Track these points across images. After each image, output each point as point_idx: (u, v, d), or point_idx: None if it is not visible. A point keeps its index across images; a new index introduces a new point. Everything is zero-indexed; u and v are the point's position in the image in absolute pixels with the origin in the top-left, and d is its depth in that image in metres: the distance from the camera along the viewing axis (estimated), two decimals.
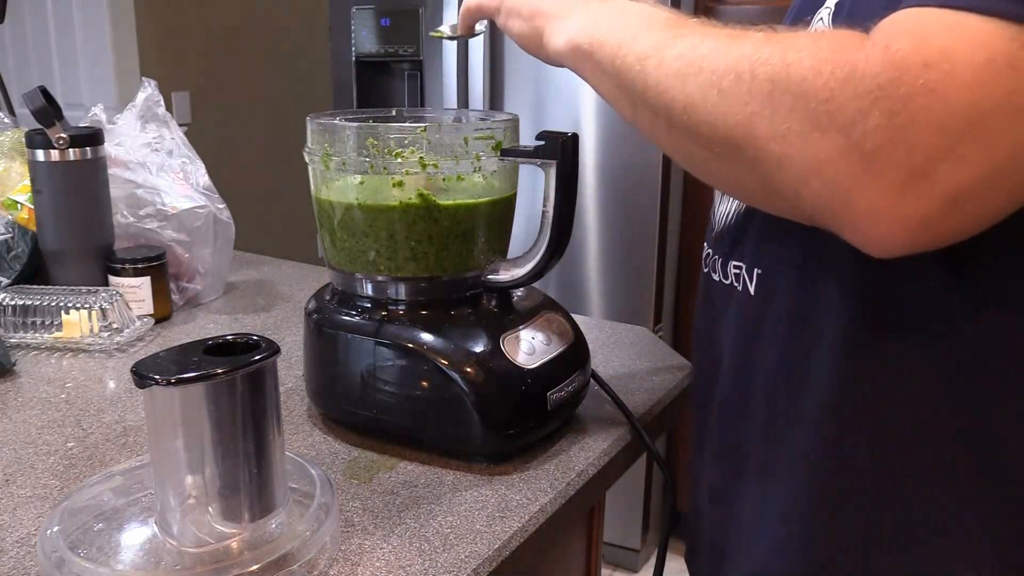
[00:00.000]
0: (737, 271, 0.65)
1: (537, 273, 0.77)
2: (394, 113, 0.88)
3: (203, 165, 1.25)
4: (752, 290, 0.63)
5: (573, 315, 0.85)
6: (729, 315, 0.66)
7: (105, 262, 1.10)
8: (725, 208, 0.69)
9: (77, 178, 1.09)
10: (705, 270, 0.72)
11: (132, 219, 1.15)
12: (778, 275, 0.61)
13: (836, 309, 0.57)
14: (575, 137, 0.75)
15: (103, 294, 1.03)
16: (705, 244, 0.73)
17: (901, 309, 0.55)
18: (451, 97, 2.12)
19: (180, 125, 1.30)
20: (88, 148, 1.09)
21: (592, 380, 0.85)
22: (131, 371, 0.55)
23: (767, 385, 0.62)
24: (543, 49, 0.66)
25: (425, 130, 0.75)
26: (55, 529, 0.58)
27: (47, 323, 1.02)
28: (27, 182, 1.14)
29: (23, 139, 1.14)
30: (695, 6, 1.98)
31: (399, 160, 0.74)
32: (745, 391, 0.65)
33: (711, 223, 0.72)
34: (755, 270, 0.63)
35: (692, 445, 0.76)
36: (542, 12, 0.65)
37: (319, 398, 0.82)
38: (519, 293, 0.82)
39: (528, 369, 0.74)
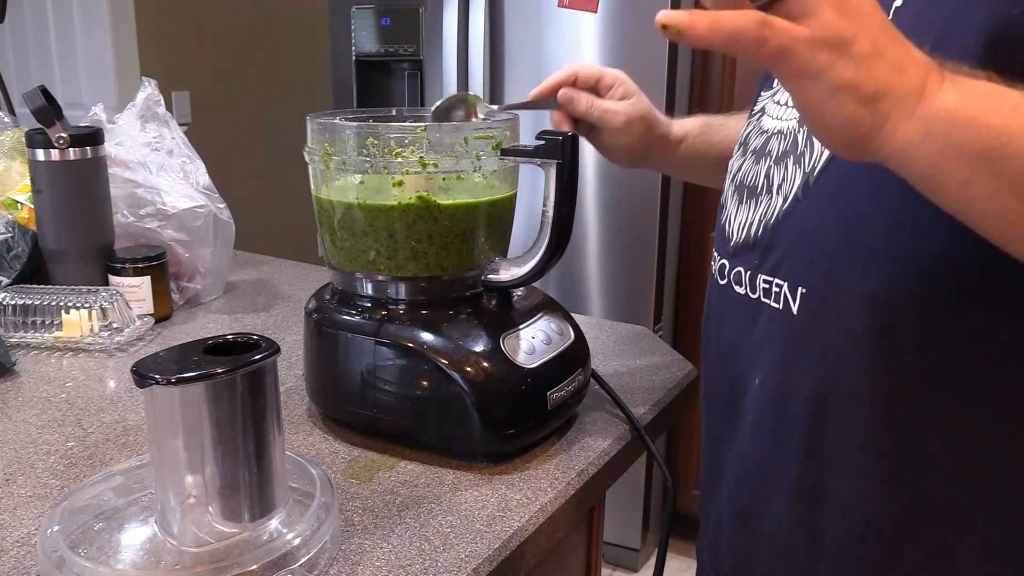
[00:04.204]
0: (767, 286, 0.63)
1: (537, 273, 0.77)
2: (394, 113, 0.88)
3: (203, 165, 1.25)
4: (795, 309, 0.60)
5: (573, 315, 0.85)
6: (761, 331, 0.64)
7: (105, 262, 1.10)
8: (745, 218, 0.66)
9: (77, 178, 1.09)
10: (723, 281, 0.69)
11: (132, 219, 1.15)
12: (828, 295, 0.59)
13: (895, 333, 0.56)
14: (575, 137, 0.75)
15: (103, 294, 1.03)
16: (716, 254, 0.71)
17: (961, 335, 0.55)
18: None
19: (180, 125, 1.30)
20: (88, 148, 1.09)
21: (592, 380, 0.85)
22: (131, 371, 0.55)
23: (811, 405, 0.60)
24: (871, 139, 0.47)
25: (425, 130, 0.75)
26: (55, 528, 0.58)
27: (47, 323, 1.02)
28: (27, 182, 1.14)
29: (23, 139, 1.14)
30: (695, 5, 1.98)
31: (399, 160, 0.74)
32: (784, 410, 0.62)
33: (726, 233, 0.69)
34: (799, 288, 0.60)
35: (706, 460, 0.74)
36: (897, 90, 0.45)
37: (319, 398, 0.82)
38: (519, 293, 0.82)
39: (528, 369, 0.74)
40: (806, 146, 0.61)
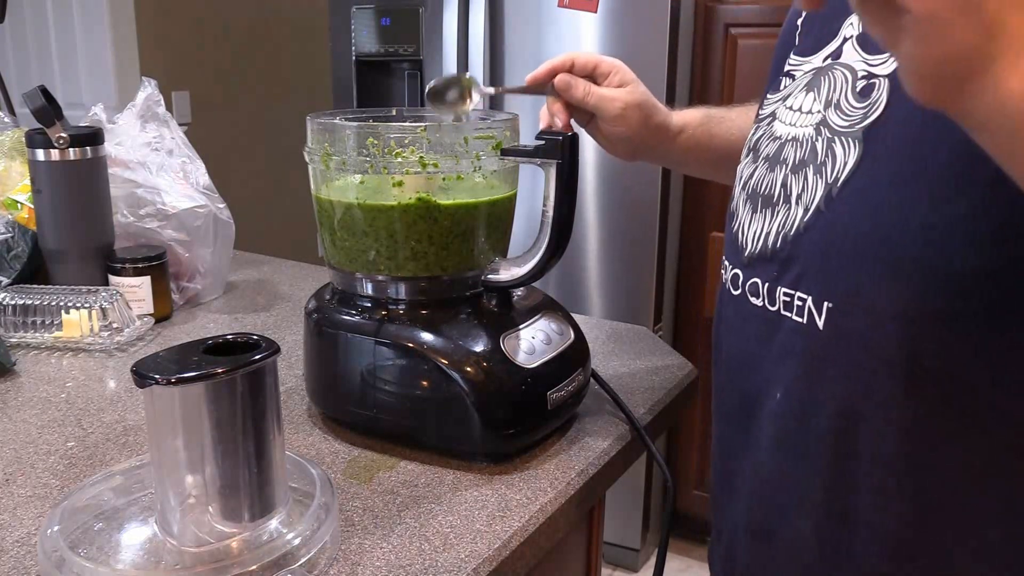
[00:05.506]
0: (788, 299, 0.61)
1: (537, 273, 0.77)
2: (394, 113, 0.88)
3: (203, 165, 1.25)
4: (820, 323, 0.58)
5: (573, 315, 0.85)
6: (780, 344, 0.62)
7: (105, 262, 1.10)
8: (760, 228, 0.64)
9: (77, 178, 1.09)
10: (736, 292, 0.67)
11: (132, 219, 1.15)
12: (855, 310, 0.57)
13: (923, 348, 0.55)
14: (575, 137, 0.75)
15: (103, 294, 1.03)
16: (727, 263, 0.69)
17: (987, 352, 0.54)
18: None
19: (180, 125, 1.30)
20: (88, 148, 1.09)
21: (592, 380, 0.85)
22: (131, 370, 0.55)
23: (837, 421, 0.59)
24: (971, 81, 0.41)
25: (425, 130, 0.75)
26: (55, 528, 0.58)
27: (47, 323, 1.02)
28: (27, 182, 1.14)
29: (23, 139, 1.14)
30: (695, 6, 1.99)
31: (399, 160, 0.74)
32: (808, 426, 0.61)
33: (739, 242, 0.67)
34: (825, 303, 0.58)
35: (718, 470, 0.73)
36: (1012, 30, 0.39)
37: (319, 398, 0.82)
38: (519, 293, 0.82)
39: (528, 369, 0.74)
40: (827, 156, 0.59)
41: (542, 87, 0.81)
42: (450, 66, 2.10)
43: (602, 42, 1.95)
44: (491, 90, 0.81)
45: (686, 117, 0.87)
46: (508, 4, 2.05)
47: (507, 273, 0.79)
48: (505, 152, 0.76)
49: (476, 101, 0.77)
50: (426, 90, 0.77)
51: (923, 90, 0.43)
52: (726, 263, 0.70)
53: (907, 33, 0.41)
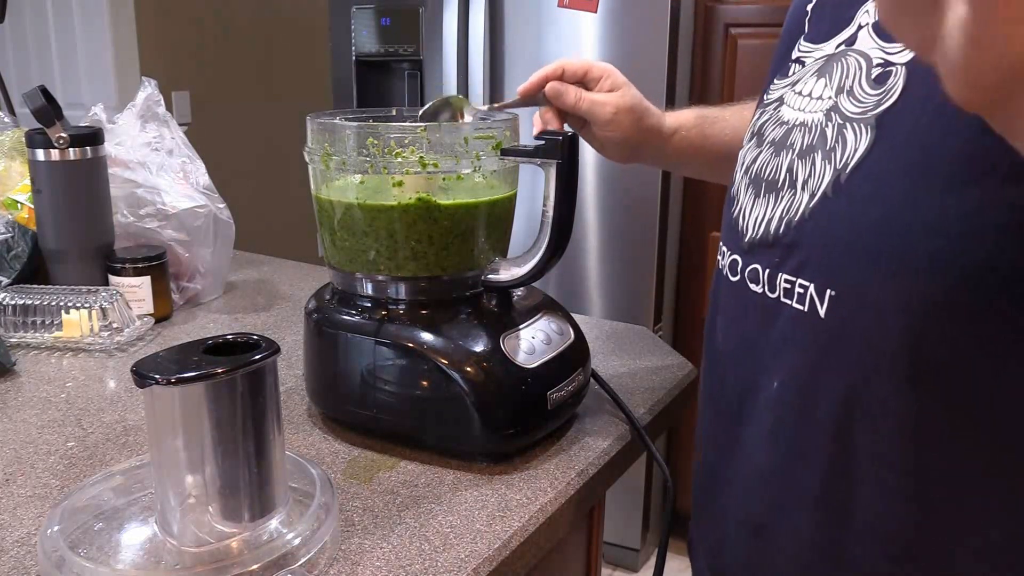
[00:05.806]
0: (789, 286, 0.60)
1: (537, 273, 0.77)
2: (394, 113, 0.88)
3: (203, 165, 1.25)
4: (822, 311, 0.57)
5: (573, 315, 0.85)
6: (780, 332, 0.61)
7: (105, 262, 1.10)
8: (763, 213, 0.63)
9: (77, 178, 1.09)
10: (735, 278, 0.66)
11: (132, 219, 1.15)
12: (859, 298, 0.56)
13: (931, 340, 0.54)
14: (575, 137, 0.75)
15: (103, 294, 1.03)
16: (725, 249, 0.68)
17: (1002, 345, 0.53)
18: None
19: (180, 125, 1.30)
20: (88, 148, 1.09)
21: (592, 380, 0.85)
22: (131, 370, 0.55)
23: (839, 412, 0.58)
24: None
25: (425, 130, 0.75)
26: (55, 528, 0.58)
27: (47, 323, 1.02)
28: (27, 182, 1.14)
29: (23, 139, 1.14)
30: (695, 6, 1.99)
31: (399, 160, 0.74)
32: (804, 417, 0.60)
33: (739, 228, 0.66)
34: (827, 291, 0.57)
35: (707, 462, 0.73)
36: None
37: (319, 398, 0.82)
38: (519, 293, 0.82)
39: (528, 369, 0.74)
40: (837, 141, 0.58)
41: (535, 98, 0.82)
42: (450, 66, 2.10)
43: (602, 42, 1.96)
44: (484, 108, 0.82)
45: (679, 118, 0.87)
46: (508, 4, 2.05)
47: (507, 273, 0.79)
48: (505, 152, 0.76)
49: (468, 121, 0.78)
50: (418, 115, 0.77)
51: (975, 98, 0.37)
52: (724, 248, 0.68)
53: (958, 37, 0.35)
